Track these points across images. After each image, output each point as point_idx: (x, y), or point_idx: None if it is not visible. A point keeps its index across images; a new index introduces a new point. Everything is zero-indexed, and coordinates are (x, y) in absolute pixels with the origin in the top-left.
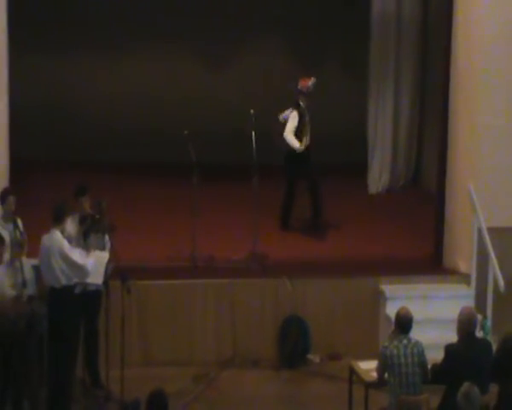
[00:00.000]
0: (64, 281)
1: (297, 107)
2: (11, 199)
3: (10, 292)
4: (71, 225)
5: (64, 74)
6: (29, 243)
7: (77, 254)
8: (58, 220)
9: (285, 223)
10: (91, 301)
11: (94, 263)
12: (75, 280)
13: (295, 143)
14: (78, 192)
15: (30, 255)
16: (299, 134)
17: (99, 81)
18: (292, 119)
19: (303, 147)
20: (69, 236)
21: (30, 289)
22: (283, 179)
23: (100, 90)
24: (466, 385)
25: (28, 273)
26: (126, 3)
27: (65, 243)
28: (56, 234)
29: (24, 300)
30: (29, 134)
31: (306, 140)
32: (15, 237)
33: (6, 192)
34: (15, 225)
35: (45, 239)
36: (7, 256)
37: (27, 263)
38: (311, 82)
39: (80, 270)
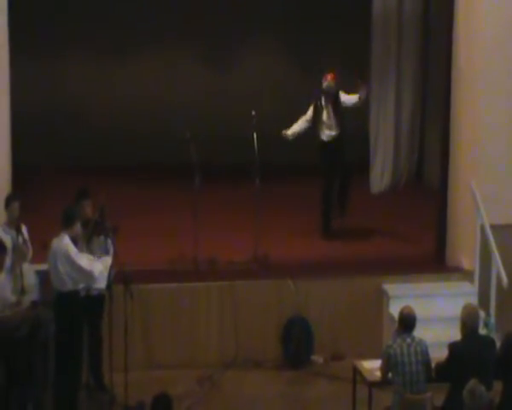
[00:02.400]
0: (70, 285)
1: (315, 103)
2: (15, 205)
3: (12, 298)
4: None
5: (65, 78)
6: (32, 248)
7: (84, 260)
8: (67, 224)
9: (326, 228)
10: (94, 306)
11: (101, 270)
12: (81, 285)
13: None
14: (79, 196)
15: (33, 261)
16: (315, 128)
17: (100, 84)
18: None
19: (287, 134)
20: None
21: (33, 295)
22: (286, 180)
23: (101, 94)
24: (472, 382)
25: (31, 279)
26: (128, 7)
27: (72, 248)
28: (65, 238)
29: (26, 305)
30: (31, 139)
31: (324, 134)
32: (17, 243)
33: (10, 198)
34: (18, 231)
35: (54, 243)
36: (8, 262)
37: (30, 269)
38: (326, 81)
39: (87, 275)
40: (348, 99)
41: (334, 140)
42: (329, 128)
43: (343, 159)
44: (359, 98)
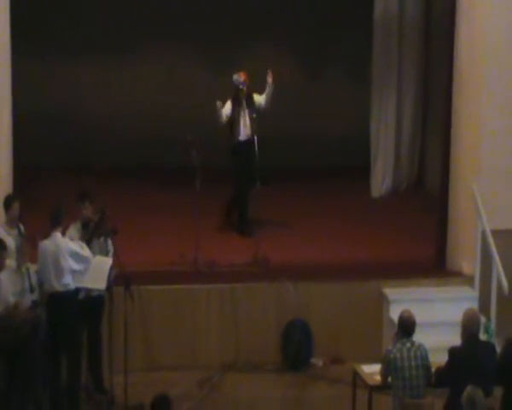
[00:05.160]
0: (72, 283)
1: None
2: (16, 205)
3: (11, 299)
4: (73, 231)
5: (67, 80)
6: (32, 248)
7: (77, 246)
8: (57, 223)
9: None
10: (94, 307)
11: (89, 255)
12: (82, 285)
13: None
14: (79, 198)
15: (32, 261)
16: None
17: (100, 87)
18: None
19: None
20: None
21: (34, 295)
22: (286, 183)
23: (101, 96)
24: (470, 388)
25: (33, 279)
26: (129, 10)
27: (68, 241)
28: (58, 236)
29: (27, 305)
30: (33, 141)
31: (240, 135)
32: (20, 242)
33: (10, 198)
34: (20, 231)
35: (47, 244)
36: (13, 262)
37: (31, 268)
38: (238, 77)
39: (84, 260)
40: (260, 99)
41: (248, 142)
42: (245, 128)
43: (254, 163)
44: (268, 85)
